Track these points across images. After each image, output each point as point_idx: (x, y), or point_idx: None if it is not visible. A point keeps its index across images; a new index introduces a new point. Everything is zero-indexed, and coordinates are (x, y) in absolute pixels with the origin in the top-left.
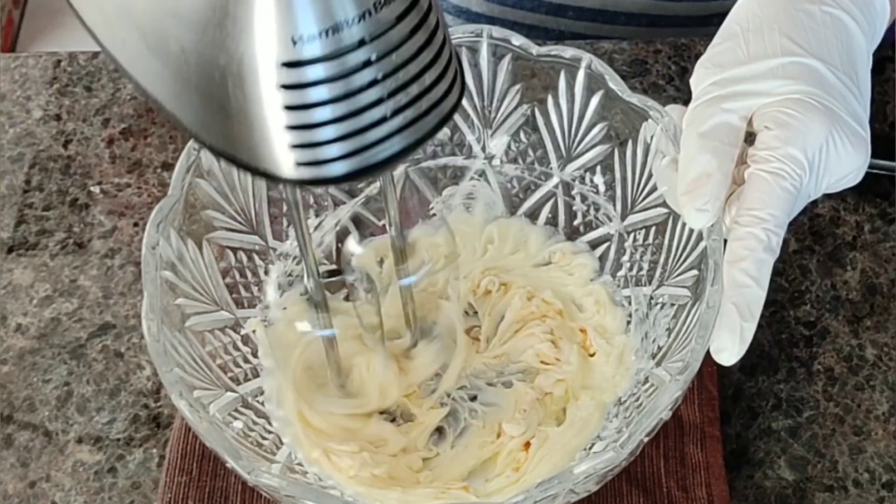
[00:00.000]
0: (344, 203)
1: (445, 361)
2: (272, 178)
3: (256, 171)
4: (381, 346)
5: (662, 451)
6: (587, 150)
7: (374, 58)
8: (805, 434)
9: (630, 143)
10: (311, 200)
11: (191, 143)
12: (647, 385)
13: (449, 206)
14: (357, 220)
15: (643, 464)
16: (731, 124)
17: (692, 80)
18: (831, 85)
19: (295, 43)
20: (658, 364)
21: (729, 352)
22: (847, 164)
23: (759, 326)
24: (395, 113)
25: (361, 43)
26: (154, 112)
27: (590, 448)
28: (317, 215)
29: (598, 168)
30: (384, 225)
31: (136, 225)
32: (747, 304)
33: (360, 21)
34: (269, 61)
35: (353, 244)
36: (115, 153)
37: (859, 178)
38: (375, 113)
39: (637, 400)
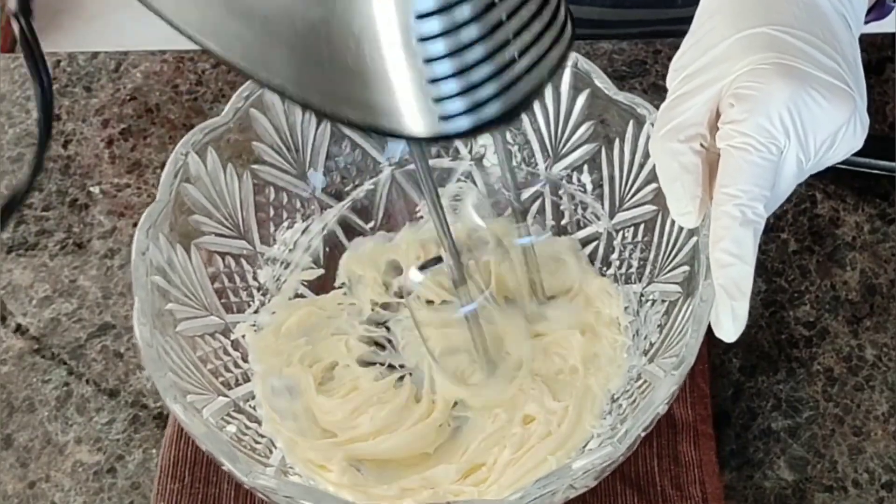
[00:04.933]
0: (331, 207)
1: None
2: (410, 139)
3: (395, 134)
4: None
5: (656, 450)
6: (574, 150)
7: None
8: (804, 434)
9: (618, 141)
10: (299, 205)
11: (178, 148)
12: (640, 382)
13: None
14: (344, 224)
15: (637, 463)
16: (691, 118)
17: (667, 84)
18: (789, 44)
19: None
20: (650, 361)
21: (726, 331)
22: (829, 119)
23: (759, 327)
24: (520, 55)
25: None
26: (154, 112)
27: (584, 446)
28: (304, 219)
29: (586, 167)
30: (371, 227)
31: (135, 225)
32: (734, 282)
33: None
34: (404, 16)
35: (414, 273)
36: (114, 153)
37: (857, 139)
38: (502, 57)
39: (630, 396)
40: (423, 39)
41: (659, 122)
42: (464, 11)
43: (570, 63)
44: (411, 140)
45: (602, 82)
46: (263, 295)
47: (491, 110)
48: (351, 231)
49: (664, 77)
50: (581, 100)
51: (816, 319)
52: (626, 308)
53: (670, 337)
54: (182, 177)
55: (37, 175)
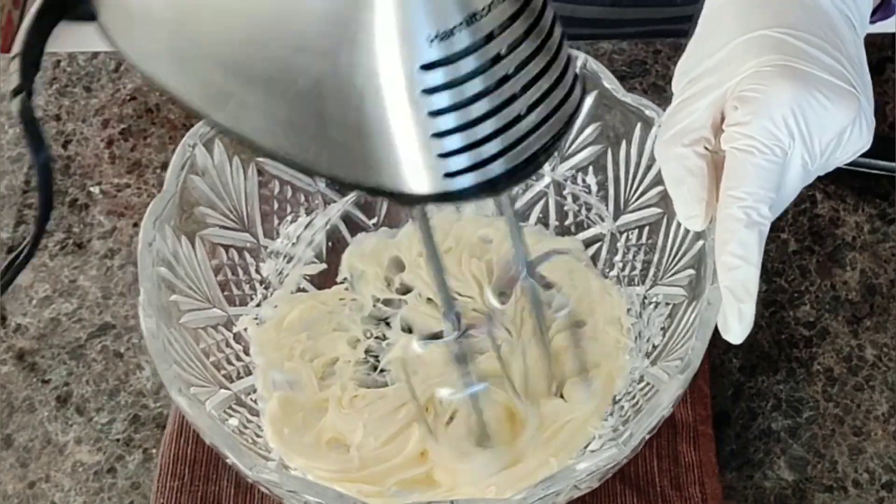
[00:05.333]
0: (335, 202)
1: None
2: (411, 199)
3: (396, 194)
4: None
5: (656, 450)
6: (580, 150)
7: (503, 52)
8: (805, 434)
9: (624, 142)
10: (303, 199)
11: (185, 140)
12: (643, 384)
13: (439, 206)
14: (348, 219)
15: (637, 463)
16: (695, 122)
17: (673, 88)
18: (792, 46)
19: (430, 42)
20: (653, 363)
21: (733, 332)
22: (834, 120)
23: (759, 327)
24: (530, 109)
25: (489, 38)
26: (154, 112)
27: (586, 447)
28: (308, 213)
29: (591, 168)
30: (374, 223)
31: (135, 225)
32: (741, 284)
33: (483, 15)
34: (407, 67)
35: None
36: (114, 153)
37: (864, 140)
38: (508, 112)
39: (632, 398)
40: (427, 91)
41: (664, 126)
42: (469, 63)
43: (578, 63)
44: (414, 200)
45: (610, 83)
46: (266, 288)
47: (496, 168)
48: (354, 226)
49: (664, 77)
50: (588, 101)
51: (816, 319)
52: (628, 310)
53: (674, 340)
54: (189, 168)
55: (37, 243)
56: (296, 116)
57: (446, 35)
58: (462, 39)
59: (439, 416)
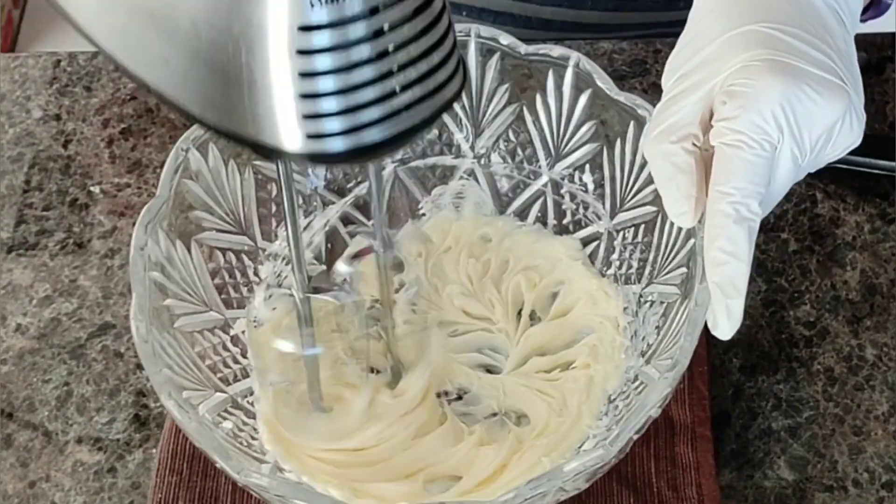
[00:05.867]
0: (333, 203)
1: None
2: (277, 154)
3: (262, 148)
4: (366, 379)
5: (653, 451)
6: (576, 149)
7: (386, 28)
8: (805, 434)
9: (619, 141)
10: (301, 201)
11: (179, 144)
12: (637, 383)
13: (438, 206)
14: (346, 221)
15: (633, 464)
16: (684, 118)
17: (662, 85)
18: (780, 41)
19: (312, 5)
20: (647, 362)
21: (721, 329)
22: (823, 114)
23: (759, 327)
24: (403, 89)
25: (374, 11)
26: (154, 112)
27: (580, 446)
28: (306, 215)
29: (587, 166)
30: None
31: (136, 225)
32: (730, 280)
33: None
34: (285, 25)
35: (342, 265)
36: (114, 153)
37: (854, 135)
38: (383, 87)
39: (627, 398)
40: (302, 52)
41: (652, 123)
42: (349, 32)
43: (571, 63)
44: (278, 155)
45: (604, 83)
46: (264, 291)
47: (369, 136)
48: (352, 228)
49: None
50: (583, 100)
51: (816, 319)
52: (625, 309)
53: (667, 339)
54: (182, 172)
55: None
56: (176, 57)
57: (327, 1)
58: (348, 7)
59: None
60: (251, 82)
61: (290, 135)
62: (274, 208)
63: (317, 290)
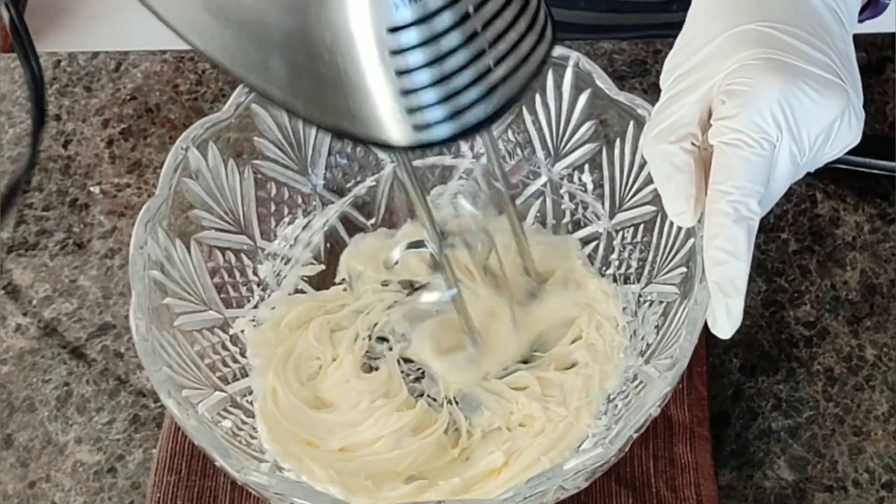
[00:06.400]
0: (332, 203)
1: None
2: (389, 148)
3: (374, 143)
4: (505, 298)
5: (652, 451)
6: (575, 149)
7: (471, 10)
8: (805, 434)
9: (618, 141)
10: (300, 200)
11: (178, 143)
12: (637, 382)
13: (437, 206)
14: (346, 220)
15: (632, 464)
16: (683, 118)
17: (661, 85)
18: (778, 40)
19: (397, 7)
20: (647, 361)
21: (721, 328)
22: (822, 113)
23: (759, 327)
24: (497, 64)
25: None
26: (154, 112)
27: (579, 445)
28: (305, 215)
29: (587, 166)
30: (373, 224)
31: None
32: (729, 279)
33: None
34: (374, 29)
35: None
36: (114, 153)
37: (853, 133)
38: (478, 66)
39: (626, 397)
40: (395, 52)
41: (651, 123)
42: (437, 24)
43: (571, 63)
44: (392, 149)
45: (603, 82)
46: (263, 290)
47: (471, 117)
48: (352, 227)
49: None
50: (582, 99)
51: (816, 319)
52: (624, 308)
53: (666, 338)
54: (182, 171)
55: (34, 160)
56: (273, 61)
57: (407, 2)
58: (423, 5)
59: None
60: (351, 85)
61: (397, 130)
62: (273, 208)
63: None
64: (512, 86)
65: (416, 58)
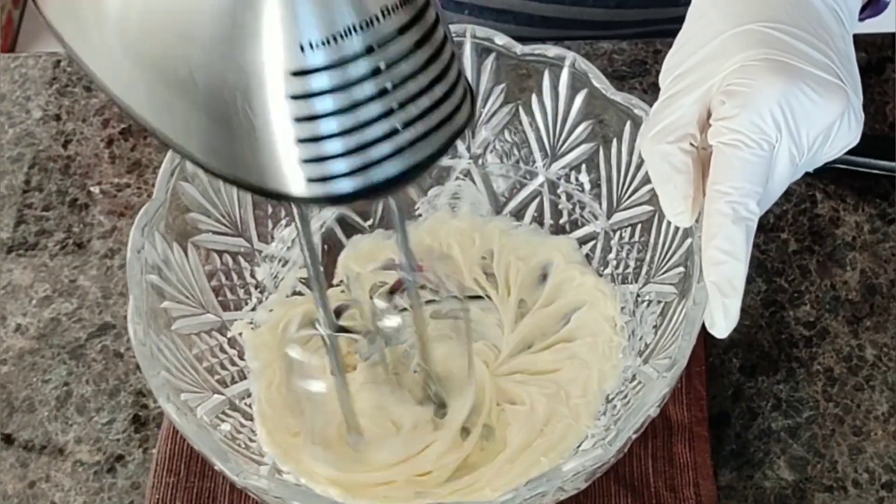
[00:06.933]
0: None
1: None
2: (284, 198)
3: (268, 193)
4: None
5: (651, 451)
6: (572, 149)
7: (383, 66)
8: (805, 434)
9: (615, 141)
10: None
11: None
12: (635, 382)
13: (434, 206)
14: (343, 222)
15: (631, 464)
16: (681, 118)
17: (660, 84)
18: (778, 40)
19: (303, 50)
20: (645, 361)
21: (718, 328)
22: (822, 114)
23: (759, 327)
24: (406, 126)
25: (370, 50)
26: None
27: (578, 446)
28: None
29: (584, 166)
30: (370, 225)
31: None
32: (727, 279)
33: (366, 28)
34: (277, 71)
35: (381, 301)
36: (114, 153)
37: (852, 134)
38: (384, 125)
39: (625, 397)
40: (296, 97)
41: (649, 122)
42: (340, 75)
43: (567, 63)
44: (292, 200)
45: (599, 82)
46: (261, 292)
47: (344, 186)
48: (349, 229)
49: None
50: (579, 100)
51: (816, 319)
52: (622, 308)
53: (664, 338)
54: (179, 175)
55: None
56: (177, 104)
57: (319, 44)
58: (341, 49)
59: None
60: (250, 128)
61: (293, 180)
62: (270, 210)
63: (342, 329)
64: (422, 150)
65: (317, 106)
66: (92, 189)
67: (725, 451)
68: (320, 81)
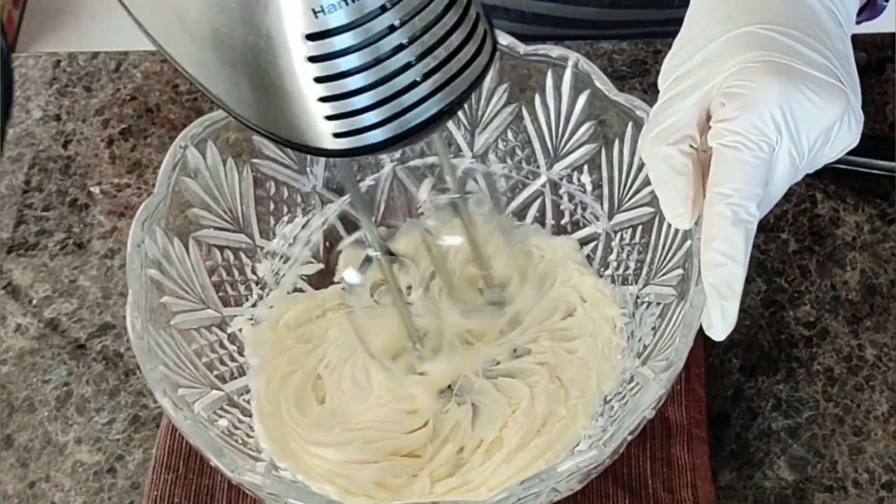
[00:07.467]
0: (332, 202)
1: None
2: (316, 152)
3: (299, 147)
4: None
5: (649, 452)
6: (574, 150)
7: (397, 23)
8: (805, 434)
9: (617, 142)
10: (299, 199)
11: (177, 141)
12: (633, 384)
13: (436, 205)
14: (345, 219)
15: (629, 465)
16: (681, 120)
17: (659, 86)
18: (778, 42)
19: (316, 14)
20: (644, 363)
21: (715, 329)
22: (822, 115)
23: (759, 327)
24: (426, 77)
25: (383, 9)
26: (154, 112)
27: (575, 446)
28: (304, 214)
29: (586, 167)
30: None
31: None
32: (726, 282)
33: None
34: (293, 35)
35: (352, 273)
36: (114, 153)
37: (852, 136)
38: (406, 78)
39: (623, 398)
40: (311, 59)
41: (649, 125)
42: (349, 38)
43: (570, 63)
44: (314, 153)
45: (602, 84)
46: (262, 289)
47: (375, 137)
48: (351, 226)
49: None
50: (581, 100)
51: (816, 319)
52: (622, 310)
53: (663, 340)
54: (180, 170)
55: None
56: (211, 61)
57: (335, 7)
58: (356, 9)
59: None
60: (275, 88)
61: (321, 135)
62: (272, 206)
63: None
64: (453, 92)
65: (333, 66)
66: (92, 189)
67: (725, 452)
68: (335, 43)
